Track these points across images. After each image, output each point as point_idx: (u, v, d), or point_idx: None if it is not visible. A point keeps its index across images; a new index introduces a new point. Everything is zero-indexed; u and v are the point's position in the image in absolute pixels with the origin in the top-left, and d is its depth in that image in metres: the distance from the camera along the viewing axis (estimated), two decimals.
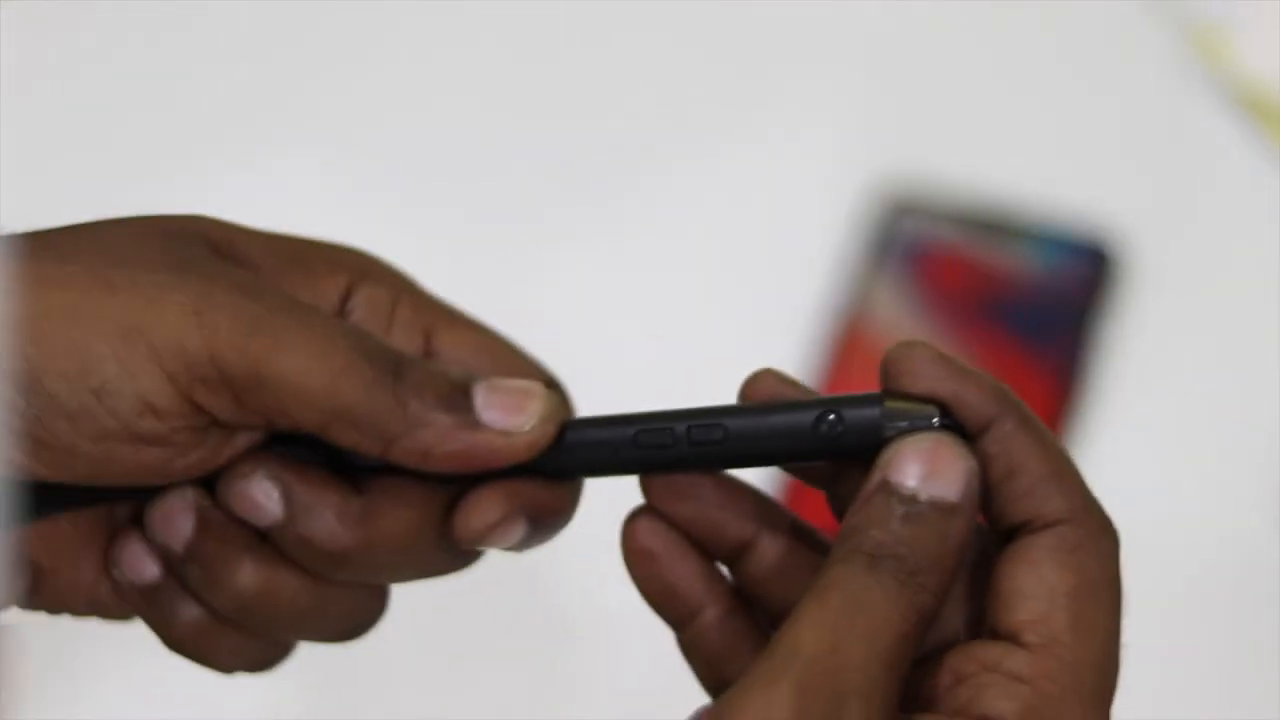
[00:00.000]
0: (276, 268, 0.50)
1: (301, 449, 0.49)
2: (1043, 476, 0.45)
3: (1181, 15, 0.91)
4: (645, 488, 0.49)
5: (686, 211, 0.92)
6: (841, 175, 0.90)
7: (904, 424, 0.46)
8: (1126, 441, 0.83)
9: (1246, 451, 0.82)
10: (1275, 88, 0.89)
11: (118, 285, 0.47)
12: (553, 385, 0.51)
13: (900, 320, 0.87)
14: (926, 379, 0.46)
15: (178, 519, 0.49)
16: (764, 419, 0.47)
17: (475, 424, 0.48)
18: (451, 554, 0.51)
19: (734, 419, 0.48)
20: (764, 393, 0.48)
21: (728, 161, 0.93)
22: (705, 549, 0.49)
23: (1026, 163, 0.91)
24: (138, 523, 0.50)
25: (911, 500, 0.44)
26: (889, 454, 0.45)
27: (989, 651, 0.44)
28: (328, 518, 0.49)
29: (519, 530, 0.49)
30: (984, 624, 0.45)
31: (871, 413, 0.46)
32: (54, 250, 0.48)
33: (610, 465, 0.49)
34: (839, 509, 0.48)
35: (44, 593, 0.51)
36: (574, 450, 0.49)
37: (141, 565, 0.50)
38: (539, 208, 0.93)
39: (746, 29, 0.98)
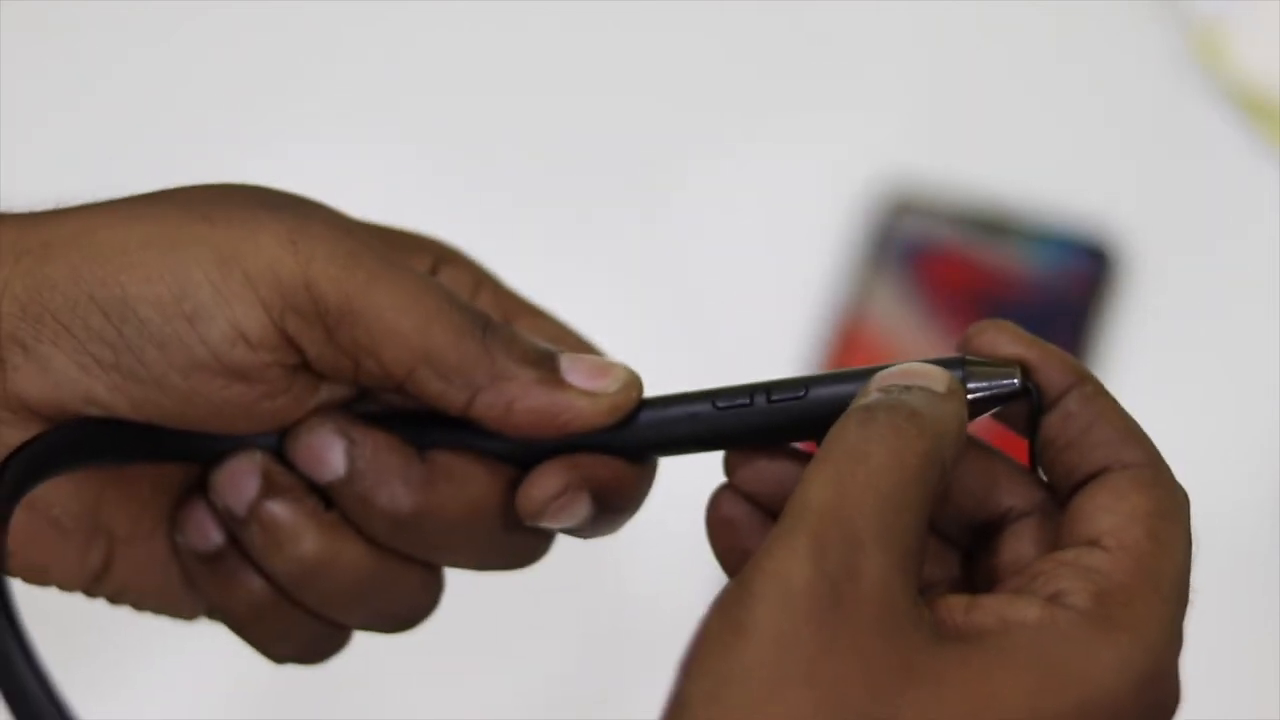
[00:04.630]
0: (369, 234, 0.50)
1: (375, 418, 0.49)
2: (1123, 429, 0.47)
3: (1181, 15, 0.91)
4: (727, 464, 0.49)
5: (688, 211, 0.92)
6: (842, 175, 0.90)
7: (984, 384, 0.46)
8: None
9: (1246, 451, 0.82)
10: (1274, 87, 0.89)
11: (214, 218, 0.47)
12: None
13: (900, 319, 0.87)
14: (1009, 345, 0.47)
15: (243, 479, 0.49)
16: (839, 387, 0.47)
17: (560, 382, 0.48)
18: (516, 539, 0.51)
19: (817, 386, 0.48)
20: (988, 344, 0.48)
21: (730, 162, 0.93)
22: None
23: (1026, 163, 0.91)
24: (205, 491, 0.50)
25: (901, 386, 0.46)
26: (877, 375, 0.46)
27: (1065, 553, 0.45)
28: (390, 479, 0.49)
29: (583, 506, 0.49)
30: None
31: (953, 375, 0.46)
32: (147, 198, 0.49)
33: (684, 439, 0.49)
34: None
35: (118, 568, 0.51)
36: (650, 426, 0.49)
37: (206, 530, 0.50)
38: (541, 208, 0.93)
39: (748, 32, 0.98)
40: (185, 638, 0.74)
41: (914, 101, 0.94)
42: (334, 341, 0.48)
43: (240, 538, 0.50)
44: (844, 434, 0.44)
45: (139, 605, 0.52)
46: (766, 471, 0.49)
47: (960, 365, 0.46)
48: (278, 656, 0.52)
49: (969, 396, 0.46)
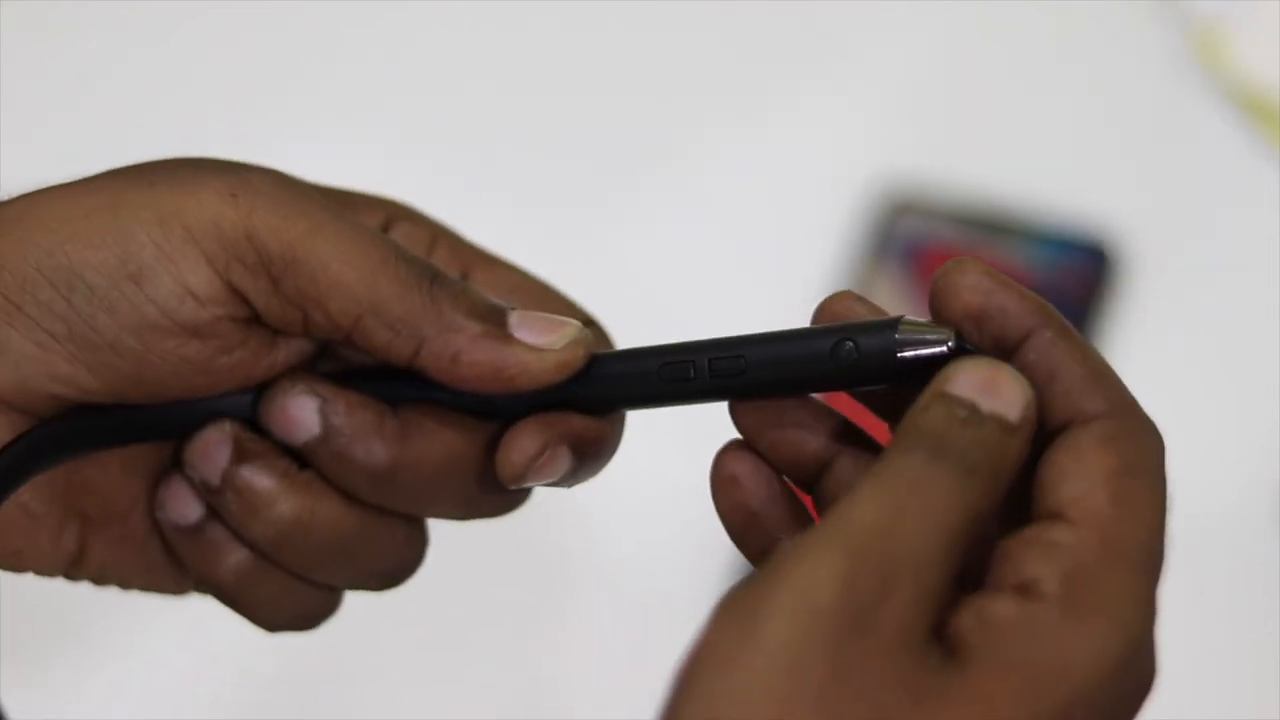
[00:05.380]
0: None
1: (344, 376, 0.50)
2: (1083, 377, 0.44)
3: (1181, 15, 0.91)
4: (733, 412, 0.49)
5: (687, 211, 0.92)
6: (842, 174, 0.90)
7: (919, 347, 0.46)
8: None
9: (1246, 450, 0.82)
10: (1274, 87, 0.89)
11: (157, 182, 0.48)
12: (590, 322, 0.51)
13: None
14: (969, 290, 0.46)
15: (214, 449, 0.50)
16: (782, 346, 0.48)
17: (507, 337, 0.48)
18: (496, 490, 0.51)
19: (754, 348, 0.48)
20: (840, 314, 0.48)
21: (730, 161, 0.93)
22: (789, 474, 0.49)
23: (1026, 163, 0.91)
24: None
25: (973, 408, 0.44)
26: (947, 369, 0.44)
27: (1032, 530, 0.43)
28: (365, 434, 0.49)
29: (564, 461, 0.49)
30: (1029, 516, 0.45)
31: (886, 336, 0.46)
32: (97, 175, 0.49)
33: (638, 397, 0.49)
34: None
35: (94, 551, 0.51)
36: (602, 381, 0.49)
37: (184, 505, 0.51)
38: (540, 209, 0.93)
39: (748, 32, 0.98)
40: (180, 627, 0.74)
41: (914, 101, 0.94)
42: (280, 292, 0.48)
43: (218, 507, 0.50)
44: (908, 463, 0.43)
45: (124, 585, 0.52)
46: (778, 427, 0.48)
47: (893, 327, 0.46)
48: (270, 625, 0.53)
49: (901, 355, 0.46)
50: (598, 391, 0.49)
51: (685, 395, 0.49)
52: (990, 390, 0.44)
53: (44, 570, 0.51)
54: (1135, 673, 0.43)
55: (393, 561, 0.52)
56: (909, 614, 0.41)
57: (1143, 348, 0.82)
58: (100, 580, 0.52)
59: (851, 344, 0.47)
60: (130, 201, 0.48)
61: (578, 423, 0.50)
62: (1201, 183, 0.90)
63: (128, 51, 0.98)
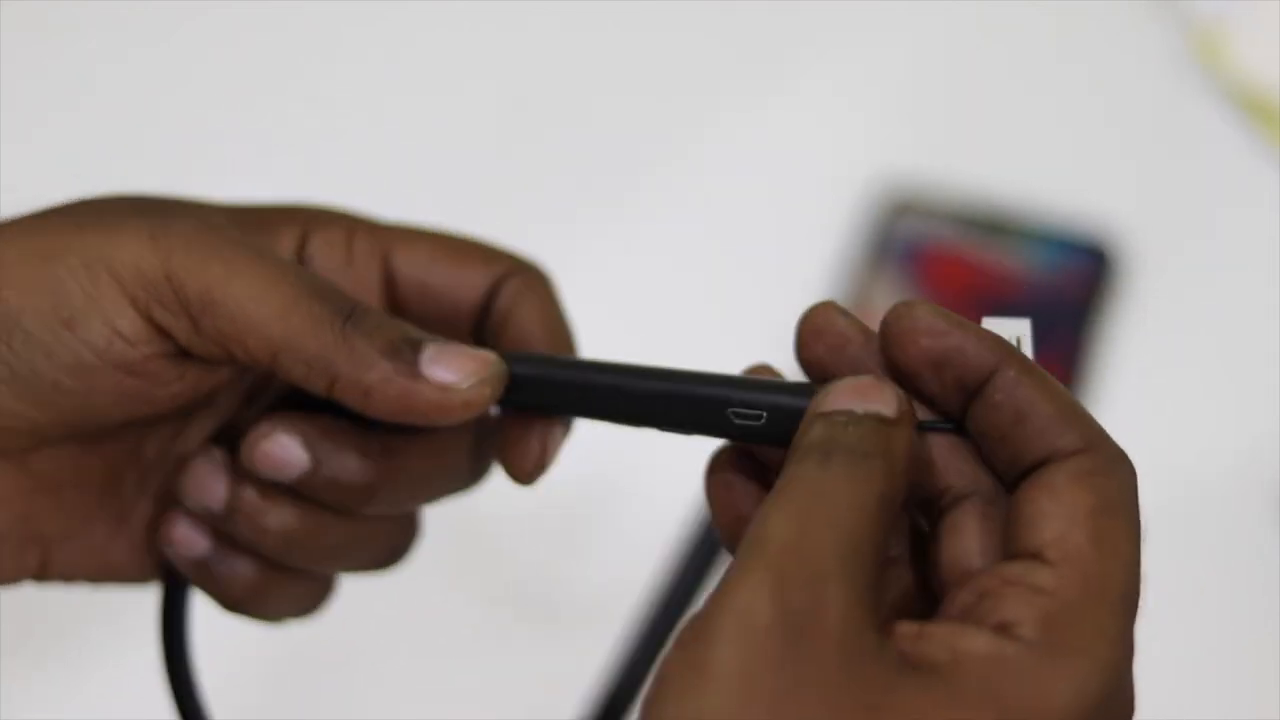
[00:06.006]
0: (236, 226, 0.52)
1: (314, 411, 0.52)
2: (1052, 415, 0.45)
3: (1181, 15, 0.91)
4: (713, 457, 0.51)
5: (687, 211, 0.92)
6: (842, 175, 0.90)
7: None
8: (1126, 440, 0.83)
9: (1245, 450, 0.82)
10: (1274, 87, 0.89)
11: (85, 225, 0.50)
12: (522, 267, 0.54)
13: None
14: (925, 335, 0.46)
15: (209, 480, 0.53)
16: (686, 390, 0.50)
17: (416, 374, 0.50)
18: (473, 472, 0.54)
19: (659, 387, 0.50)
20: (821, 326, 0.48)
21: (729, 161, 0.93)
22: None
23: (1026, 163, 0.91)
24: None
25: (849, 413, 0.45)
26: (818, 395, 0.46)
27: (1011, 568, 0.44)
28: (350, 457, 0.52)
29: (562, 442, 0.53)
30: (1005, 552, 0.45)
31: (800, 403, 0.47)
32: (31, 215, 0.51)
33: (563, 410, 0.52)
34: None
35: (56, 562, 0.53)
36: (528, 391, 0.52)
37: (193, 541, 0.53)
38: (537, 210, 0.93)
39: (747, 31, 0.98)
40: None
41: (914, 101, 0.94)
42: (200, 331, 0.50)
43: (226, 530, 0.53)
44: (803, 472, 0.44)
45: (92, 583, 0.55)
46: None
47: (807, 393, 0.47)
48: (276, 619, 0.55)
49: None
50: (526, 400, 0.52)
51: (594, 415, 0.51)
52: (861, 396, 0.46)
53: (7, 583, 0.53)
54: (1116, 707, 0.43)
55: (390, 547, 0.55)
56: (846, 613, 0.42)
57: (1143, 348, 0.82)
58: (68, 583, 0.54)
59: (754, 412, 0.48)
60: (59, 246, 0.49)
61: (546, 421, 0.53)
62: (1201, 183, 0.90)
63: (128, 51, 0.98)
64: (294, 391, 0.52)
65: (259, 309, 0.49)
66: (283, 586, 0.54)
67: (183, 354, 0.51)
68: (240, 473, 0.52)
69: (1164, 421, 0.77)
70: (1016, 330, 0.47)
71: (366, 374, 0.50)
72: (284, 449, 0.52)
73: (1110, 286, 0.86)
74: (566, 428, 0.54)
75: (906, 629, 0.44)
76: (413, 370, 0.50)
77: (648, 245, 0.91)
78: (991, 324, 0.47)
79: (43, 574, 0.54)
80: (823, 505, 0.43)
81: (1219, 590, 0.78)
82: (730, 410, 0.48)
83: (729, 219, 0.92)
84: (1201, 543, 0.79)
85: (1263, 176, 0.89)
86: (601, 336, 0.90)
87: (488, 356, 0.51)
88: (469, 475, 0.55)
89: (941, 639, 0.43)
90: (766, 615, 0.41)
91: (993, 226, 0.88)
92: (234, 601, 0.54)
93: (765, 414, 0.48)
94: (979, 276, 0.87)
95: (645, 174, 0.93)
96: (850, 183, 0.90)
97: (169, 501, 0.54)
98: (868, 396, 0.46)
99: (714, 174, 0.92)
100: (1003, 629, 0.43)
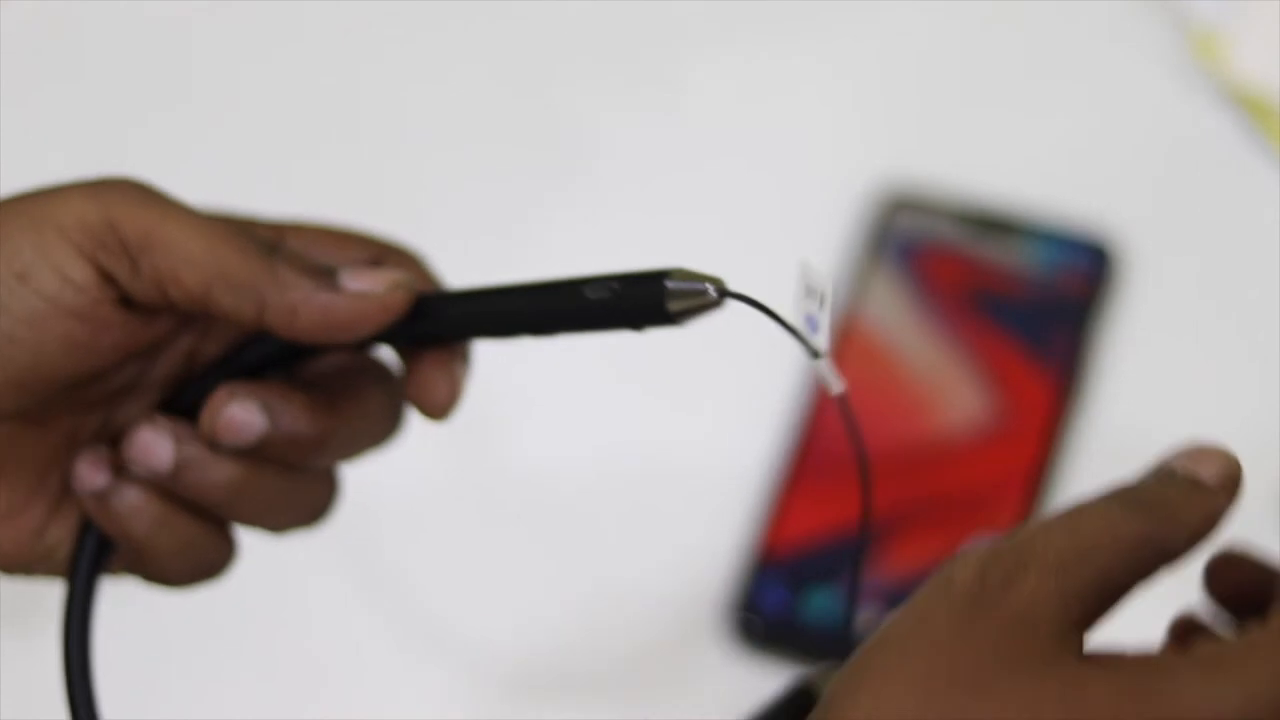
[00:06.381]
0: None
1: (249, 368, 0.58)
2: None
3: (1181, 15, 0.91)
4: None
5: (687, 209, 0.92)
6: (841, 174, 0.90)
7: (684, 288, 0.54)
8: (1125, 440, 0.83)
9: (1245, 450, 0.81)
10: (1273, 88, 0.89)
11: (24, 196, 0.56)
12: (412, 260, 0.59)
13: (898, 318, 0.87)
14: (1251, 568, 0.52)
15: (156, 443, 0.57)
16: (572, 291, 0.56)
17: (337, 288, 0.56)
18: (395, 423, 0.60)
19: (550, 294, 0.57)
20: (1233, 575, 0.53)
21: (727, 161, 0.93)
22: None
23: (1026, 162, 0.91)
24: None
25: (1170, 470, 0.50)
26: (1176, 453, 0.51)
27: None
28: (300, 415, 0.57)
29: (467, 377, 0.59)
30: None
31: (657, 287, 0.54)
32: None
33: (466, 332, 0.58)
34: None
35: None
36: (432, 319, 0.58)
37: (94, 476, 0.58)
38: (535, 204, 0.93)
39: (745, 30, 0.98)
40: None
41: (913, 100, 0.94)
42: (140, 272, 0.55)
43: (173, 488, 0.58)
44: (1091, 499, 0.49)
45: (24, 570, 0.59)
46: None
47: (664, 277, 0.54)
48: (177, 580, 0.60)
49: (672, 308, 0.54)
50: (433, 328, 0.58)
51: (502, 332, 0.58)
52: (1194, 458, 0.51)
53: None
54: None
55: (316, 505, 0.60)
56: (1032, 599, 0.46)
57: (1142, 348, 0.82)
58: (4, 567, 0.59)
59: (625, 293, 0.55)
60: (5, 211, 0.55)
61: (450, 354, 0.59)
62: (1201, 183, 0.90)
63: (128, 51, 0.98)
64: (220, 367, 0.58)
65: (192, 245, 0.55)
66: (181, 524, 0.58)
67: (125, 302, 0.56)
68: (183, 435, 0.57)
69: (1163, 421, 0.76)
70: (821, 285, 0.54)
71: (291, 294, 0.56)
72: (245, 412, 0.57)
73: (1109, 286, 0.86)
74: (466, 361, 0.59)
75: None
76: (333, 285, 0.56)
77: (647, 243, 0.90)
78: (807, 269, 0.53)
79: None
80: (1070, 518, 0.47)
81: None
82: (584, 288, 0.55)
83: (727, 218, 0.91)
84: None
85: (1262, 176, 0.88)
86: (599, 340, 0.90)
87: (395, 271, 0.57)
88: (392, 427, 0.60)
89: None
90: (965, 579, 0.46)
91: (992, 225, 0.88)
92: (139, 542, 0.58)
93: (618, 284, 0.55)
94: (978, 275, 0.87)
95: (643, 174, 0.93)
96: (849, 181, 0.90)
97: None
98: (1198, 459, 0.51)
99: (714, 172, 0.92)
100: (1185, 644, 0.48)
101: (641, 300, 0.55)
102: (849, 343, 0.86)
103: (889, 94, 0.94)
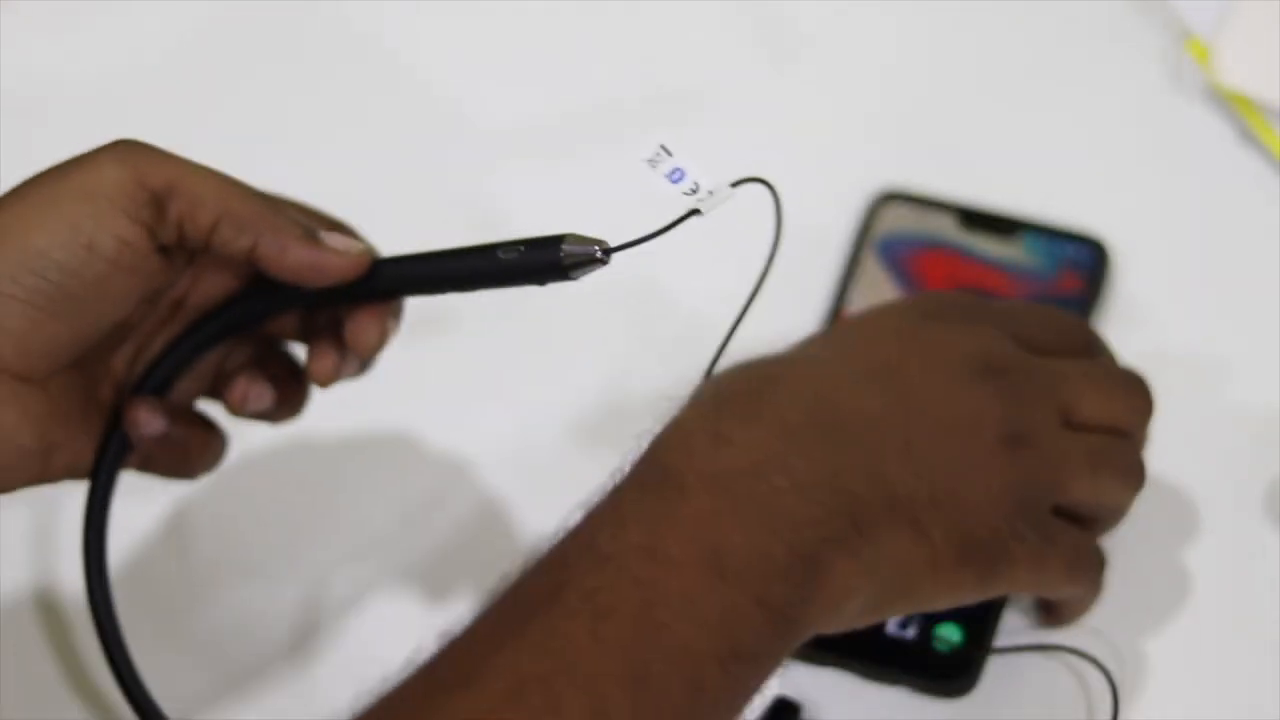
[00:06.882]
0: None
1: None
2: None
3: (1179, 17, 0.92)
4: None
5: (680, 209, 0.91)
6: (834, 173, 0.91)
7: (576, 251, 0.68)
8: None
9: (1244, 450, 0.82)
10: (1266, 90, 0.89)
11: (67, 173, 0.68)
12: (352, 228, 0.74)
13: None
14: None
15: (151, 419, 0.72)
16: (489, 253, 0.70)
17: (319, 242, 0.70)
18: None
19: (475, 257, 0.70)
20: None
21: (725, 160, 0.93)
22: None
23: (1024, 162, 0.91)
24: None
25: None
26: None
27: None
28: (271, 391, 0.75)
29: (387, 334, 0.74)
30: None
31: (554, 251, 0.68)
32: (17, 186, 0.68)
33: (409, 288, 0.73)
34: None
35: (52, 467, 0.71)
36: (382, 279, 0.72)
37: (153, 421, 0.73)
38: (534, 204, 0.93)
39: (742, 30, 0.98)
40: None
41: (908, 98, 0.94)
42: (166, 217, 0.68)
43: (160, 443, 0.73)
44: None
45: (69, 478, 0.72)
46: None
47: (560, 241, 0.68)
48: (191, 474, 0.76)
49: (566, 264, 0.68)
50: (381, 285, 0.72)
51: (432, 289, 0.72)
52: None
53: (21, 486, 0.70)
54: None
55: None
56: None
57: (1140, 348, 0.82)
58: (52, 482, 0.71)
59: (530, 254, 0.69)
60: (57, 195, 0.67)
61: (386, 309, 0.73)
62: (1199, 184, 0.90)
63: (128, 52, 0.98)
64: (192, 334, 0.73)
65: (204, 188, 0.68)
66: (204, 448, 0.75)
67: (156, 249, 0.68)
68: (169, 410, 0.73)
69: (1161, 421, 0.77)
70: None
71: (283, 236, 0.69)
72: (261, 393, 0.74)
73: (1103, 284, 0.86)
74: (398, 316, 0.74)
75: None
76: (317, 239, 0.70)
77: (641, 245, 0.91)
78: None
79: (41, 479, 0.70)
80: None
81: (1218, 590, 0.78)
82: (498, 251, 0.69)
83: (724, 216, 0.92)
84: (1200, 543, 0.79)
85: (1255, 177, 0.89)
86: (599, 331, 0.90)
87: (363, 239, 0.72)
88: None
89: None
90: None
91: (990, 224, 0.88)
92: (169, 465, 0.75)
93: (523, 247, 0.69)
94: (976, 274, 0.87)
95: (638, 173, 0.93)
96: (841, 179, 0.90)
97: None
98: None
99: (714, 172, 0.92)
100: None
101: (543, 260, 0.68)
102: None
103: (884, 93, 0.94)
